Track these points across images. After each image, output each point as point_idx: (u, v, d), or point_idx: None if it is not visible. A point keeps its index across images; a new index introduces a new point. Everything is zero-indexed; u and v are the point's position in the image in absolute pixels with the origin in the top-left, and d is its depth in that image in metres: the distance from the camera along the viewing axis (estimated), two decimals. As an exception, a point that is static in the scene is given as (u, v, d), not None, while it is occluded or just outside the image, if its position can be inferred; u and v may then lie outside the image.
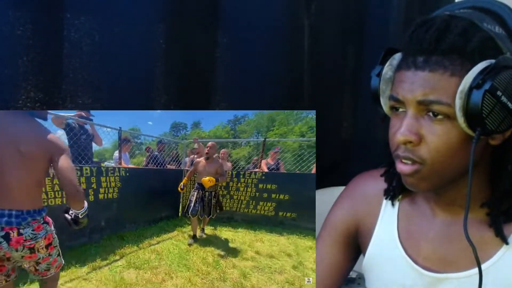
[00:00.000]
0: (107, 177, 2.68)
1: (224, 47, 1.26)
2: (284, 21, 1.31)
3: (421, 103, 0.61)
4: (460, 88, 0.58)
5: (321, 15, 1.44)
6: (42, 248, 1.05)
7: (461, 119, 0.59)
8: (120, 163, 3.08)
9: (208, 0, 1.22)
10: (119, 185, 2.79)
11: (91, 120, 2.72)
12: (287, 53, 1.34)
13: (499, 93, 0.57)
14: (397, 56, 0.69)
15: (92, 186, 2.52)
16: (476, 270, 0.68)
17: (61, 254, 1.17)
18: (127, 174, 2.93)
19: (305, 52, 1.40)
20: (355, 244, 0.88)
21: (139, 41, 1.12)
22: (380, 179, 0.84)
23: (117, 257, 2.26)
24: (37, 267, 1.08)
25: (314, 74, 1.45)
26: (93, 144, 2.82)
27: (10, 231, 0.98)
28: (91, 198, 2.50)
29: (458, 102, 0.59)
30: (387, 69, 0.70)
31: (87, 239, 2.46)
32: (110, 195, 2.71)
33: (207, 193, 2.83)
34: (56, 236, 1.12)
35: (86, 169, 2.48)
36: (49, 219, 1.11)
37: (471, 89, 0.58)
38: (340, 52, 1.55)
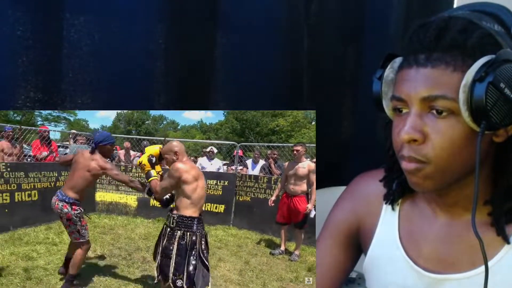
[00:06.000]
0: None
1: (224, 47, 1.26)
2: (284, 21, 1.31)
3: (425, 99, 0.61)
4: (463, 82, 0.58)
5: (321, 15, 1.44)
6: (65, 219, 1.90)
7: (465, 113, 0.59)
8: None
9: (208, 0, 1.22)
10: None
11: None
12: (287, 53, 1.34)
13: (502, 85, 0.57)
14: (398, 60, 0.69)
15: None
16: (476, 271, 0.68)
17: (81, 232, 1.92)
18: None
19: (305, 52, 1.40)
20: (356, 244, 0.88)
21: (138, 41, 1.11)
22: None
23: None
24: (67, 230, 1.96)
25: (314, 74, 1.45)
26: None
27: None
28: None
29: (462, 96, 0.58)
30: (389, 72, 0.70)
31: None
32: None
33: None
34: (75, 217, 1.89)
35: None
36: (75, 207, 1.90)
37: (474, 82, 0.58)
38: (340, 52, 1.54)
